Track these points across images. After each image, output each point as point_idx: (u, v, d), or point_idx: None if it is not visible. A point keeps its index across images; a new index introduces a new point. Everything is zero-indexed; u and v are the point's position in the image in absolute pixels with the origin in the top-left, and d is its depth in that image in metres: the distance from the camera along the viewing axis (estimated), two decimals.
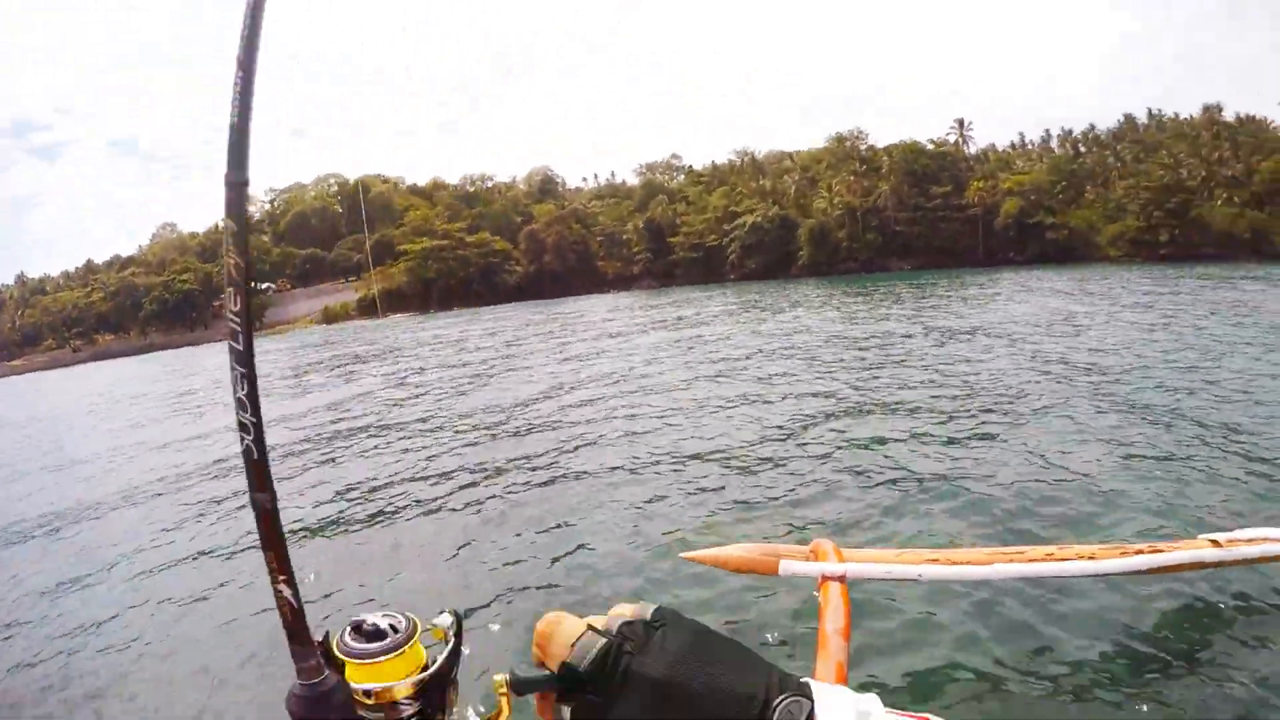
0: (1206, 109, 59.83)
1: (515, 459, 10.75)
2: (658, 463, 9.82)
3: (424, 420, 14.60)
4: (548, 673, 0.94)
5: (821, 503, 7.79)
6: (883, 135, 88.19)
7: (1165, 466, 7.63)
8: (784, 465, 9.15)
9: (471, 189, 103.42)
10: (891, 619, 5.19)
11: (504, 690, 1.00)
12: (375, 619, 1.13)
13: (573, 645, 0.90)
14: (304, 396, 21.26)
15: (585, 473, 9.78)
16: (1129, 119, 67.40)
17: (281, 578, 1.10)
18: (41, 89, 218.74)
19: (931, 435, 9.73)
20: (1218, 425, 8.78)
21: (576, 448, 11.13)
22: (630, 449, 10.70)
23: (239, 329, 0.98)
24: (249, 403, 1.02)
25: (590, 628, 0.90)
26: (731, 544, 4.46)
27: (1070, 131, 71.80)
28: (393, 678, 1.08)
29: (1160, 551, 4.14)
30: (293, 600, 1.10)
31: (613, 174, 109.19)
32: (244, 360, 0.98)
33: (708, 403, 13.38)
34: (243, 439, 1.03)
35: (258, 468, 1.04)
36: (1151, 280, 33.11)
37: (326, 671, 1.09)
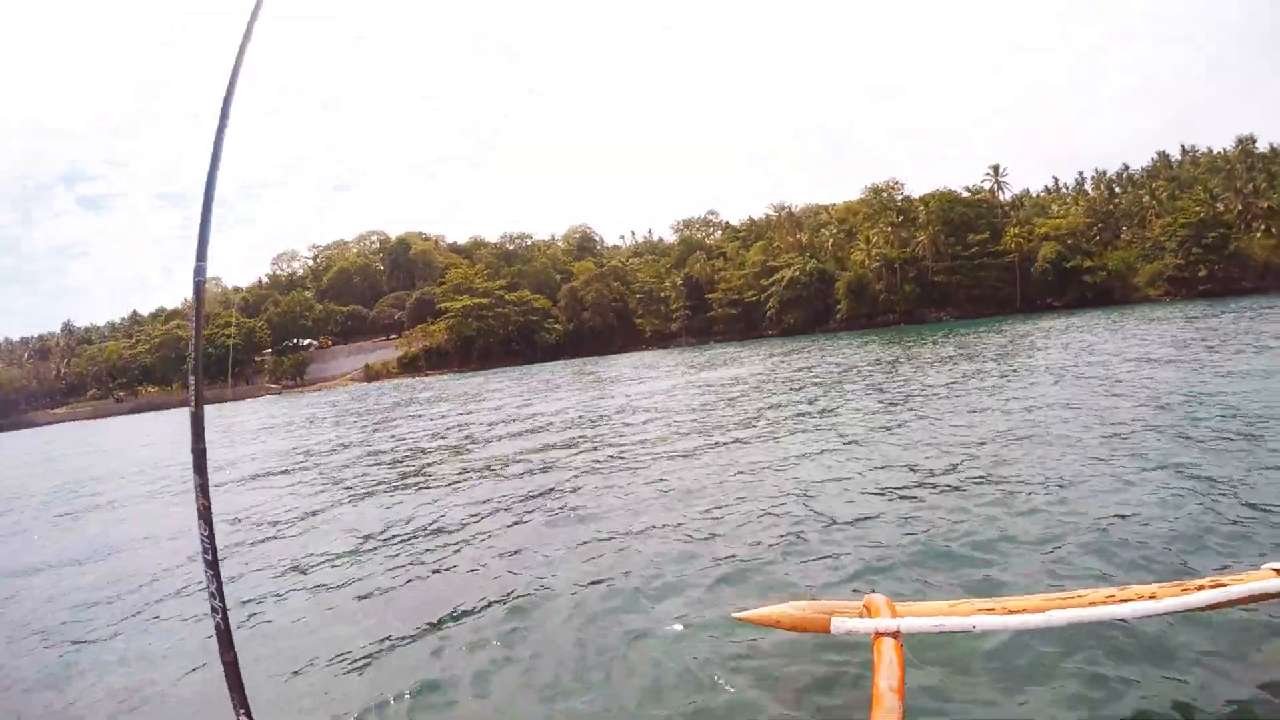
0: (1240, 141, 59.65)
1: (555, 512, 10.66)
2: (699, 519, 9.63)
3: (462, 472, 14.46)
4: None
5: (870, 557, 7.73)
6: (917, 184, 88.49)
7: (1220, 499, 7.59)
8: (832, 520, 8.98)
9: (511, 247, 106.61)
10: (947, 673, 5.12)
11: None
12: None
13: None
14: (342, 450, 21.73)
15: (628, 532, 9.59)
16: (1162, 156, 67.57)
17: (242, 711, 1.86)
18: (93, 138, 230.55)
19: (980, 484, 9.60)
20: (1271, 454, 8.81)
21: (618, 505, 10.88)
22: (673, 505, 10.47)
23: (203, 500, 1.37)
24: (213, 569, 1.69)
25: None
26: (782, 603, 4.53)
27: (1104, 172, 72.01)
28: None
29: (1223, 585, 4.07)
30: None
31: (650, 231, 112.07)
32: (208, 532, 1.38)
33: (750, 460, 13.05)
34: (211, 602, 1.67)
35: (223, 635, 1.87)
36: (1187, 317, 33.01)
37: None
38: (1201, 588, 3.96)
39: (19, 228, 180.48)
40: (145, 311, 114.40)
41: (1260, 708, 4.23)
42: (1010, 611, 3.94)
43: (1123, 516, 7.49)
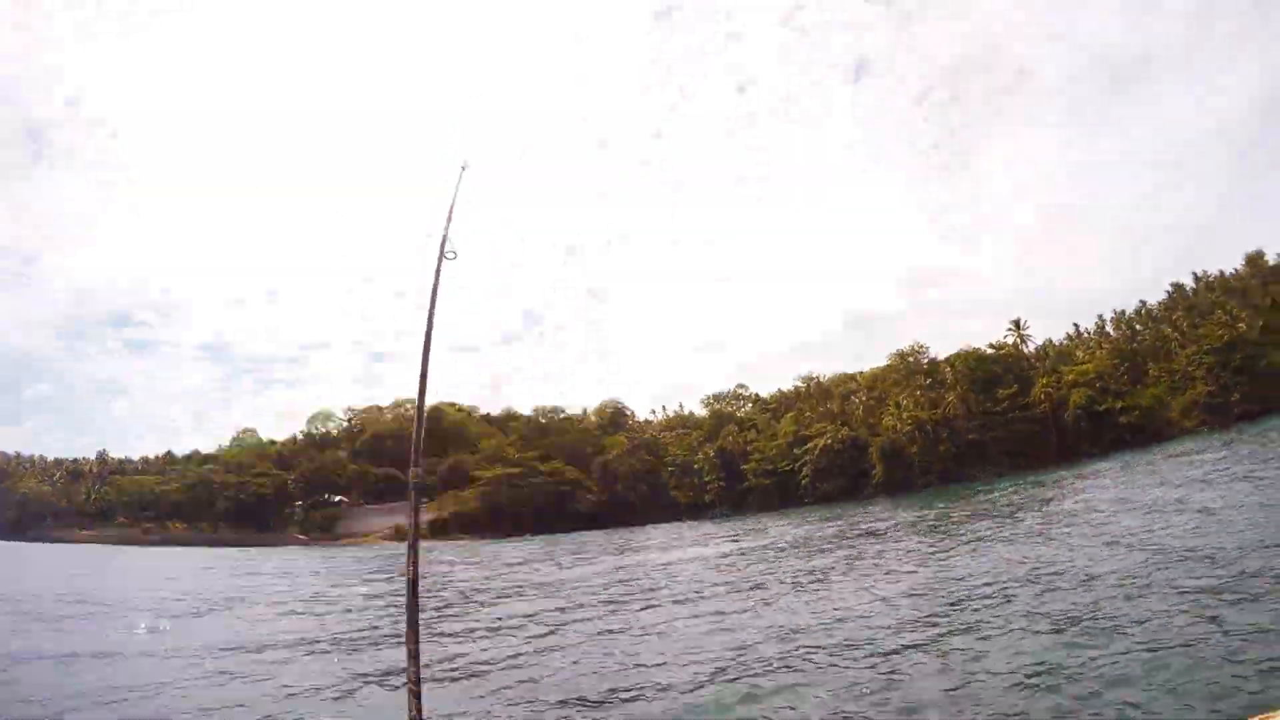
0: (1249, 258, 62.48)
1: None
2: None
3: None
4: None
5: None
6: (941, 346, 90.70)
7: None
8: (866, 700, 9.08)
9: (543, 420, 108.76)
10: None
11: None
12: None
13: None
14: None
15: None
16: (1177, 287, 70.40)
17: None
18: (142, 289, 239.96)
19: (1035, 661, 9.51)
20: None
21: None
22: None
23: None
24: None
25: None
26: None
27: (1123, 312, 74.76)
28: None
29: None
30: None
31: (681, 405, 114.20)
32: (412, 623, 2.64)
33: (782, 638, 13.09)
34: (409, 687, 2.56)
35: None
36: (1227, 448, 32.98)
37: None
38: None
39: (65, 361, 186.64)
40: (179, 452, 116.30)
41: None
42: None
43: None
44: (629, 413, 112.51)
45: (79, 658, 14.27)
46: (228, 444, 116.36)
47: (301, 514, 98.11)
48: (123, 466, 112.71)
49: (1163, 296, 71.89)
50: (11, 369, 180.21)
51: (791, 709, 9.00)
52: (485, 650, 14.34)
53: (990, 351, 75.97)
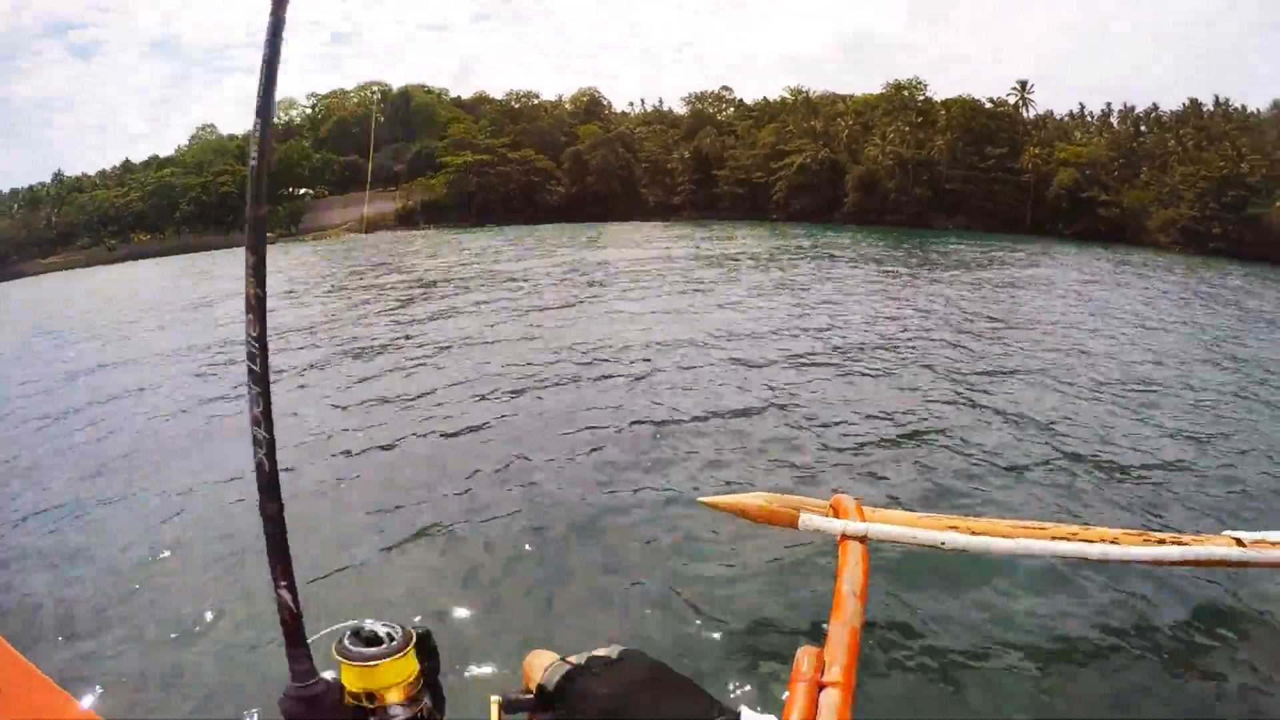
0: (1276, 105, 60.82)
1: (532, 389, 11.96)
2: (677, 404, 10.68)
3: (441, 342, 16.14)
4: (530, 695, 1.37)
5: (842, 455, 8.50)
6: (939, 88, 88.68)
7: (1193, 461, 8.29)
8: (806, 415, 10.01)
9: (516, 105, 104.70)
10: (908, 583, 5.44)
11: (497, 711, 1.42)
12: (374, 626, 1.48)
13: (545, 670, 1.31)
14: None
15: (604, 407, 10.74)
16: (1194, 104, 68.50)
17: (283, 583, 1.51)
18: None
19: (965, 400, 10.65)
20: (1247, 429, 9.60)
21: (597, 382, 12.27)
22: (651, 389, 11.63)
23: (256, 352, 1.35)
24: (263, 419, 1.43)
25: (563, 659, 1.33)
26: (750, 492, 4.80)
27: (1133, 108, 72.97)
28: (386, 682, 1.40)
29: (1183, 544, 4.31)
30: (292, 605, 1.49)
31: (660, 100, 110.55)
32: (260, 380, 1.36)
33: (732, 344, 14.72)
34: (256, 452, 1.46)
35: (269, 480, 1.47)
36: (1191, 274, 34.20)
37: (319, 675, 1.43)
38: (1163, 541, 4.24)
39: (3, 82, 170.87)
40: (137, 160, 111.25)
41: (1191, 661, 4.65)
42: (978, 533, 4.19)
43: (1101, 459, 8.28)
44: (605, 102, 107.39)
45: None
46: (186, 144, 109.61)
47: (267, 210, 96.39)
48: (80, 184, 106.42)
49: (1177, 108, 69.26)
50: None
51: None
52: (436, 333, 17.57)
53: (989, 106, 74.17)
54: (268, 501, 1.52)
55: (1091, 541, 4.17)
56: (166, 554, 6.69)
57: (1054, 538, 4.18)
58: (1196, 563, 4.46)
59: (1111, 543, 4.18)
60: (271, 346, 1.65)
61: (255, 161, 1.63)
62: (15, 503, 8.61)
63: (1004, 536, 4.18)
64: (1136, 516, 6.67)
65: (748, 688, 4.43)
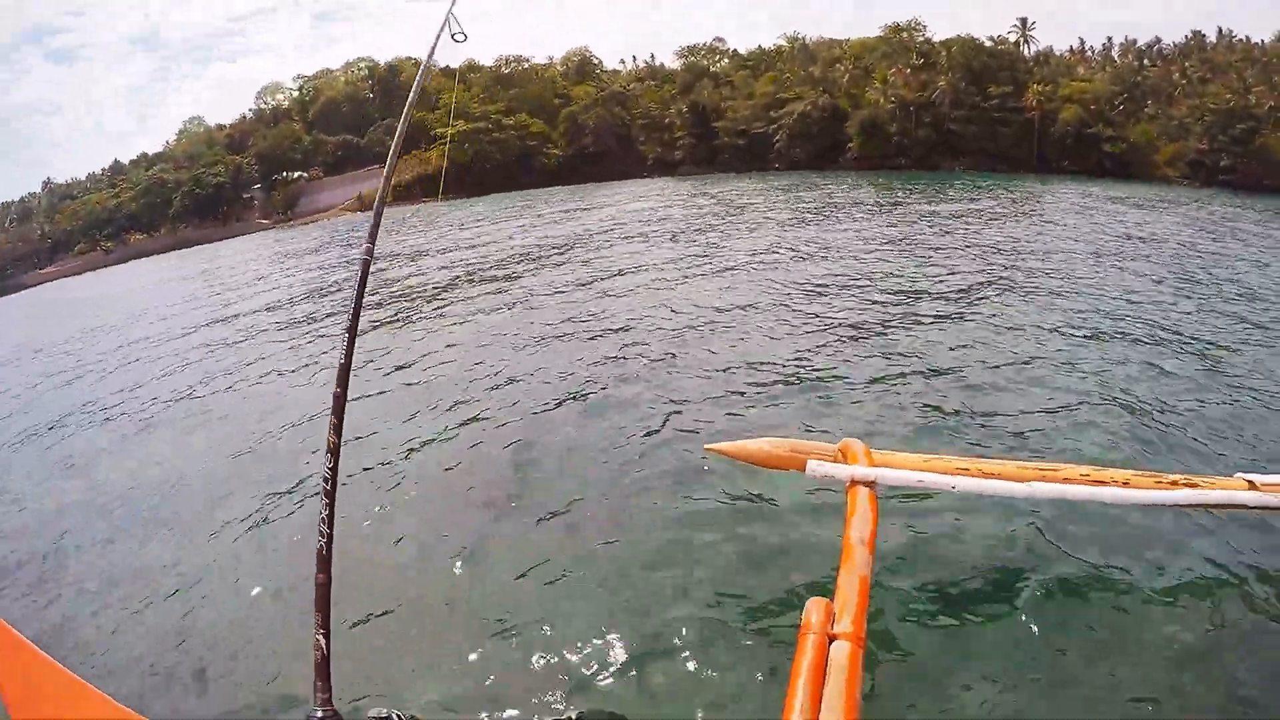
0: None
1: (544, 344, 12.41)
2: (684, 354, 10.89)
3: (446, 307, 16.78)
4: None
5: (850, 400, 8.49)
6: (936, 29, 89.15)
7: (1206, 402, 8.09)
8: (813, 360, 10.08)
9: (507, 70, 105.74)
10: (917, 526, 5.44)
11: None
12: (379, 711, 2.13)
13: None
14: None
15: (608, 359, 11.00)
16: (1197, 36, 69.86)
17: (321, 631, 2.36)
18: None
19: (977, 342, 10.57)
20: (1265, 369, 9.26)
21: (601, 335, 12.62)
22: (656, 339, 11.90)
23: (330, 470, 2.53)
24: (328, 520, 2.49)
25: None
26: (758, 438, 4.86)
27: (1134, 42, 74.52)
28: None
29: (1196, 487, 4.33)
30: (324, 649, 2.32)
31: (652, 57, 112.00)
32: (329, 493, 2.44)
33: (738, 295, 14.84)
34: (319, 541, 2.48)
35: (324, 560, 2.40)
36: (1200, 207, 34.19)
37: (334, 706, 2.18)
38: (1175, 484, 4.31)
39: None
40: (126, 159, 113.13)
41: (1203, 607, 4.64)
42: (989, 475, 4.30)
43: (1108, 395, 8.21)
44: (597, 61, 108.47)
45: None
46: (175, 139, 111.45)
47: (262, 196, 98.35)
48: (71, 190, 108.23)
49: (1180, 40, 70.64)
50: None
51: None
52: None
53: (989, 44, 75.03)
54: (320, 573, 2.50)
55: (1104, 484, 4.26)
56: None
57: (1066, 479, 4.27)
58: (1208, 506, 4.51)
59: (1123, 485, 4.27)
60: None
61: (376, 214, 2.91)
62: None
63: (1015, 479, 4.28)
64: (1145, 457, 6.59)
65: (757, 640, 4.57)
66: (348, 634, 5.05)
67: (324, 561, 2.49)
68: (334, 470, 2.65)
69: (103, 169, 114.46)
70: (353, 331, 2.98)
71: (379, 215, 3.41)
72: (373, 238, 3.28)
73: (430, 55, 4.00)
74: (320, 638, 2.38)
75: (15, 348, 26.78)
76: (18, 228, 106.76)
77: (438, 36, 4.05)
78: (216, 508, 7.95)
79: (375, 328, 15.75)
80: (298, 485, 8.00)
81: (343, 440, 2.69)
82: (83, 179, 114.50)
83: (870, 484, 4.17)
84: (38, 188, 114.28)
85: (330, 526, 2.53)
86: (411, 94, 3.90)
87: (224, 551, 6.95)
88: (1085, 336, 10.79)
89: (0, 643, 2.57)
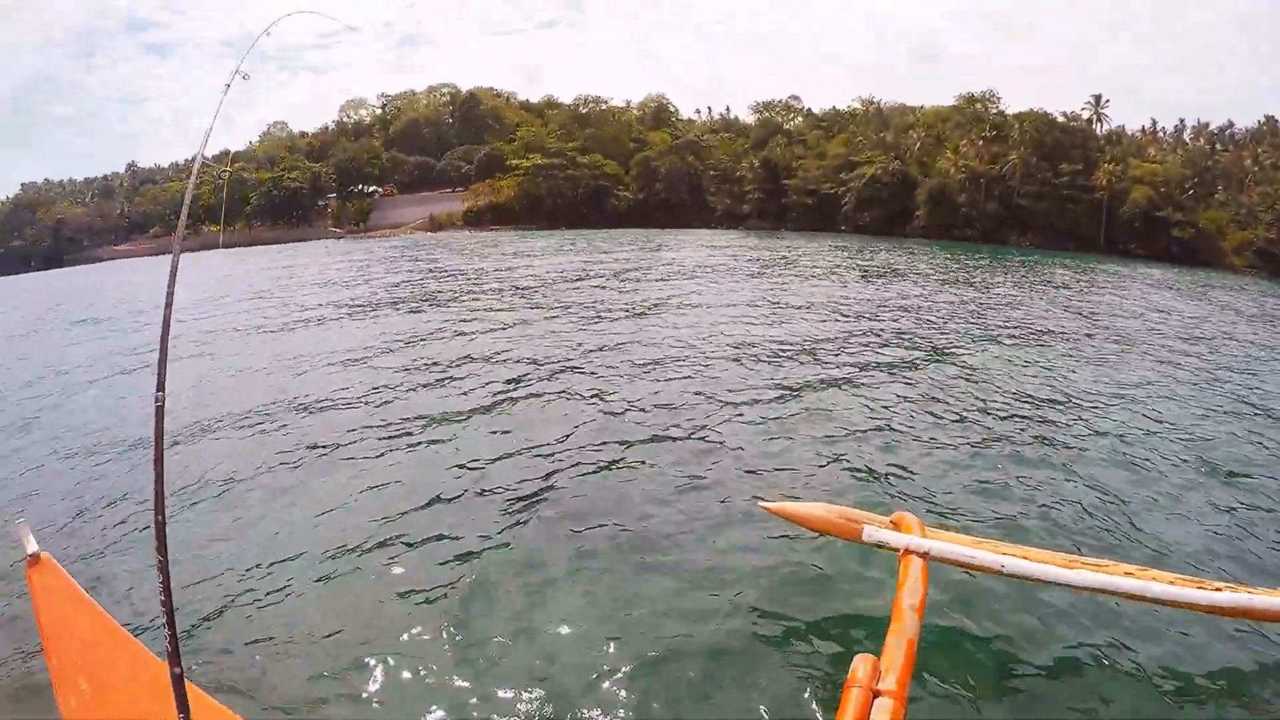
0: None
1: (586, 384, 12.65)
2: (736, 405, 11.09)
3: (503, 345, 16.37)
4: None
5: (908, 475, 8.52)
6: (1009, 101, 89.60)
7: (1258, 511, 7.89)
8: (877, 430, 10.08)
9: (585, 110, 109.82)
10: (963, 604, 5.58)
11: None
12: None
13: None
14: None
15: (660, 406, 11.14)
16: (1270, 121, 69.66)
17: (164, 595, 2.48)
18: None
19: (1035, 431, 10.32)
20: None
21: (661, 381, 12.75)
22: (716, 389, 12.10)
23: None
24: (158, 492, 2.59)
25: None
26: (811, 501, 5.17)
27: (1206, 125, 74.69)
28: None
29: (1244, 592, 4.31)
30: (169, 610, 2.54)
31: (727, 109, 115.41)
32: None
33: (799, 353, 15.08)
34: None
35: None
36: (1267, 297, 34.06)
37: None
38: (1220, 589, 4.28)
39: (82, 74, 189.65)
40: (209, 154, 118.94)
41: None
42: (1036, 560, 4.40)
43: (1156, 501, 8.02)
44: (673, 109, 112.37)
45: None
46: (257, 140, 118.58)
47: (337, 205, 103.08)
48: (153, 176, 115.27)
49: (1253, 125, 70.60)
50: (30, 93, 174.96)
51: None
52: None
53: (1062, 120, 75.53)
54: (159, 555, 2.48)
55: (1151, 581, 4.28)
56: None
57: (1111, 573, 4.32)
58: (1259, 615, 4.35)
59: (1169, 584, 4.29)
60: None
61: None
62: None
63: (1062, 567, 4.36)
64: (1196, 565, 6.55)
65: (802, 688, 4.77)
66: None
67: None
68: (159, 495, 2.70)
69: (185, 159, 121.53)
70: (164, 338, 2.98)
71: (176, 260, 3.40)
72: (171, 283, 3.19)
73: (223, 97, 3.96)
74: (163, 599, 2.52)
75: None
76: (99, 203, 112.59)
77: (229, 83, 4.07)
78: None
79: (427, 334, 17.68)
80: None
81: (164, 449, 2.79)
82: (165, 166, 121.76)
83: (923, 555, 4.40)
84: (121, 169, 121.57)
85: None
86: (203, 139, 3.99)
87: None
88: (1142, 433, 10.47)
89: (51, 584, 3.24)
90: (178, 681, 2.48)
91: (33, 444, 11.17)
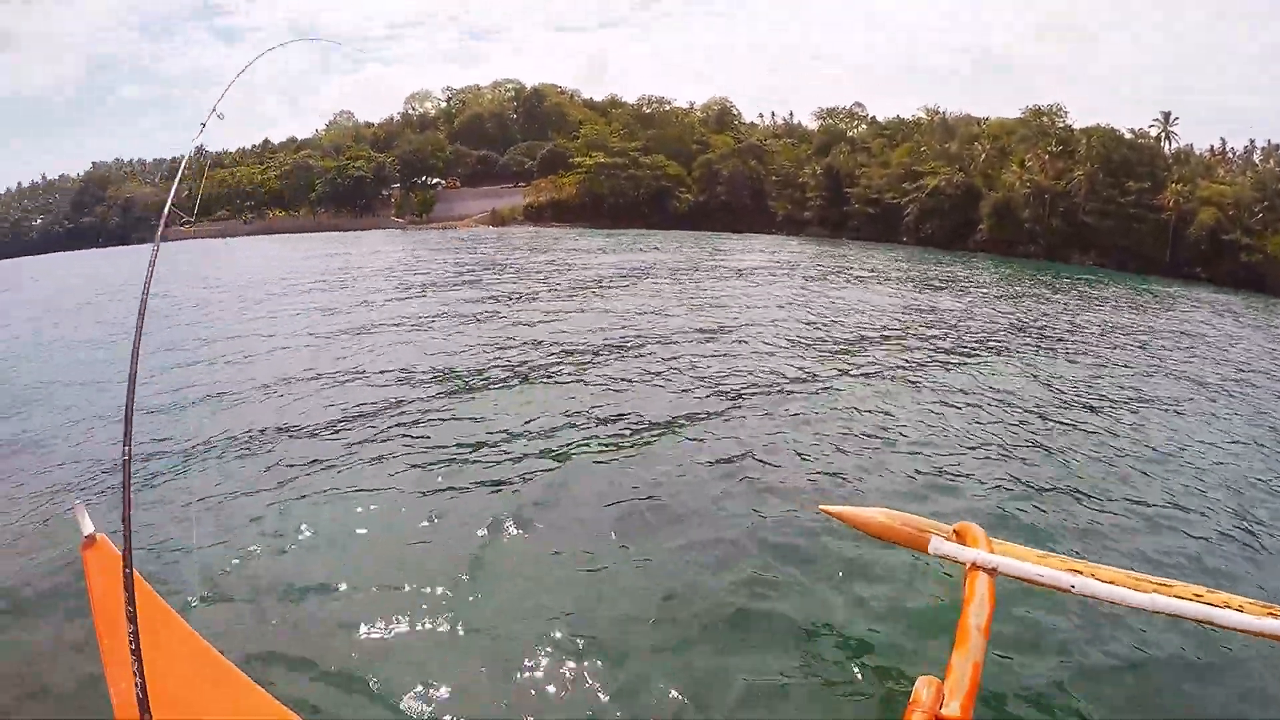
0: None
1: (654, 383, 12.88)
2: (806, 412, 11.19)
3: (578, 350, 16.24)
4: None
5: (970, 483, 8.40)
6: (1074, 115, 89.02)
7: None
8: (939, 437, 10.15)
9: (648, 110, 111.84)
10: (1028, 622, 5.47)
11: None
12: None
13: None
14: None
15: (720, 409, 11.25)
16: None
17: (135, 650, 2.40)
18: None
19: (1108, 445, 10.43)
20: None
21: (725, 380, 13.00)
22: (788, 392, 12.25)
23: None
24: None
25: None
26: (872, 507, 5.08)
27: (1278, 147, 73.51)
28: None
29: None
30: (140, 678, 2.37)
31: (791, 114, 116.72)
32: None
33: (863, 358, 15.38)
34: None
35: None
36: None
37: None
38: None
39: (153, 60, 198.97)
40: (276, 140, 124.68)
41: None
42: (1106, 580, 4.27)
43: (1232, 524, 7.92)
44: (735, 112, 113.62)
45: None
46: (324, 129, 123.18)
47: (400, 196, 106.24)
48: (220, 159, 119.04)
49: None
50: (100, 74, 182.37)
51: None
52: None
53: (1129, 137, 75.07)
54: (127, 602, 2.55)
55: (1216, 606, 4.13)
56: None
57: (1181, 597, 4.17)
58: None
59: (1237, 609, 4.13)
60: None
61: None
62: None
63: (1132, 588, 4.22)
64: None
65: (862, 709, 4.68)
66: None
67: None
68: (126, 484, 2.81)
69: (253, 145, 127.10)
70: (136, 341, 3.18)
71: (156, 249, 3.78)
72: (150, 269, 3.49)
73: (201, 133, 4.29)
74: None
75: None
76: (167, 184, 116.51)
77: (208, 118, 4.41)
78: None
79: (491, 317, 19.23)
80: None
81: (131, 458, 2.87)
82: (232, 151, 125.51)
83: (991, 571, 4.27)
84: (190, 152, 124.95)
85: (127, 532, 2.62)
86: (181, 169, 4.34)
87: None
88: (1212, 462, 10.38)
89: (105, 565, 3.22)
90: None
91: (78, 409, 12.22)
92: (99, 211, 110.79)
